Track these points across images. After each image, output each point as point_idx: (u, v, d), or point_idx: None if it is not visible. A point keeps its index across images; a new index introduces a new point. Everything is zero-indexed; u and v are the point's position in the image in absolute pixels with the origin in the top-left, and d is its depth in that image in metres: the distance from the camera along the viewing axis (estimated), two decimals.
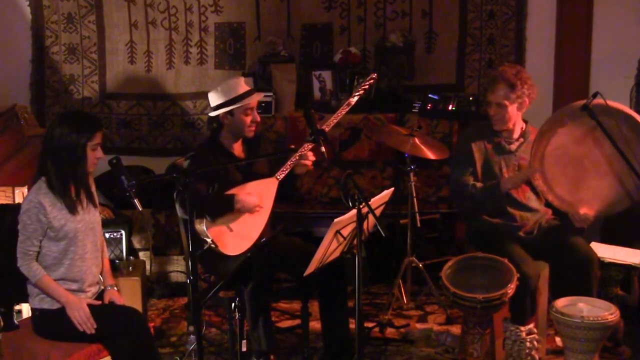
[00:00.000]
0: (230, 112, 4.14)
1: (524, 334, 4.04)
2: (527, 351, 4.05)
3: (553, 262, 4.23)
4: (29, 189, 3.57)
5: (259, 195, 4.06)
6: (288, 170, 4.13)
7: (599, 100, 4.01)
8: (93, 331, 3.51)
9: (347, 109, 4.24)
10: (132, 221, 5.20)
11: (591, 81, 5.56)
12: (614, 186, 4.13)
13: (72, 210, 3.54)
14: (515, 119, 4.24)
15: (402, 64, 5.58)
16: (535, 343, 4.06)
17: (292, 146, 4.21)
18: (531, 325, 4.07)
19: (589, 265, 4.09)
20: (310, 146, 4.11)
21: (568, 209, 4.17)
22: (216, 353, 4.47)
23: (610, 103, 4.07)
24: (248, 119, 4.16)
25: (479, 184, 4.22)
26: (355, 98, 4.27)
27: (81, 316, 3.51)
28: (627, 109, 4.15)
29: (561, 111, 4.24)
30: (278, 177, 4.12)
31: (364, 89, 4.31)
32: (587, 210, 4.12)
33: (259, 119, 4.23)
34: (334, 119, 4.19)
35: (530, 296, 4.02)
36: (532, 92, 4.18)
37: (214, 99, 4.18)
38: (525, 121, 4.33)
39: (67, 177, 3.53)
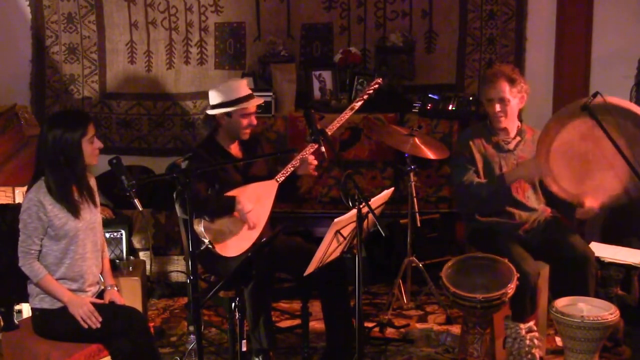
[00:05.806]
0: (228, 114, 4.14)
1: (523, 332, 4.04)
2: (527, 349, 4.05)
3: (551, 261, 4.23)
4: (28, 190, 3.56)
5: (258, 198, 4.06)
6: (288, 173, 4.12)
7: (603, 99, 4.01)
8: (99, 325, 3.50)
9: (351, 114, 4.23)
10: (132, 221, 5.20)
11: (591, 81, 5.55)
12: (618, 178, 4.12)
13: (75, 213, 3.53)
14: (514, 115, 4.24)
15: (402, 64, 5.58)
16: (535, 341, 4.06)
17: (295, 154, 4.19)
18: (531, 323, 4.07)
19: (586, 263, 4.10)
20: (312, 149, 4.10)
21: (573, 200, 4.16)
22: (216, 353, 4.47)
23: (614, 100, 4.06)
24: (245, 122, 4.15)
25: (483, 180, 4.21)
26: (359, 103, 4.26)
27: (85, 312, 3.51)
28: (632, 106, 4.15)
29: (566, 108, 4.24)
30: (278, 179, 4.12)
31: (369, 94, 4.30)
32: (592, 202, 4.12)
33: (255, 123, 4.21)
34: (337, 123, 4.18)
35: (531, 294, 4.03)
36: (528, 89, 4.24)
37: (214, 97, 4.16)
38: (519, 120, 4.34)
39: (68, 181, 3.52)
